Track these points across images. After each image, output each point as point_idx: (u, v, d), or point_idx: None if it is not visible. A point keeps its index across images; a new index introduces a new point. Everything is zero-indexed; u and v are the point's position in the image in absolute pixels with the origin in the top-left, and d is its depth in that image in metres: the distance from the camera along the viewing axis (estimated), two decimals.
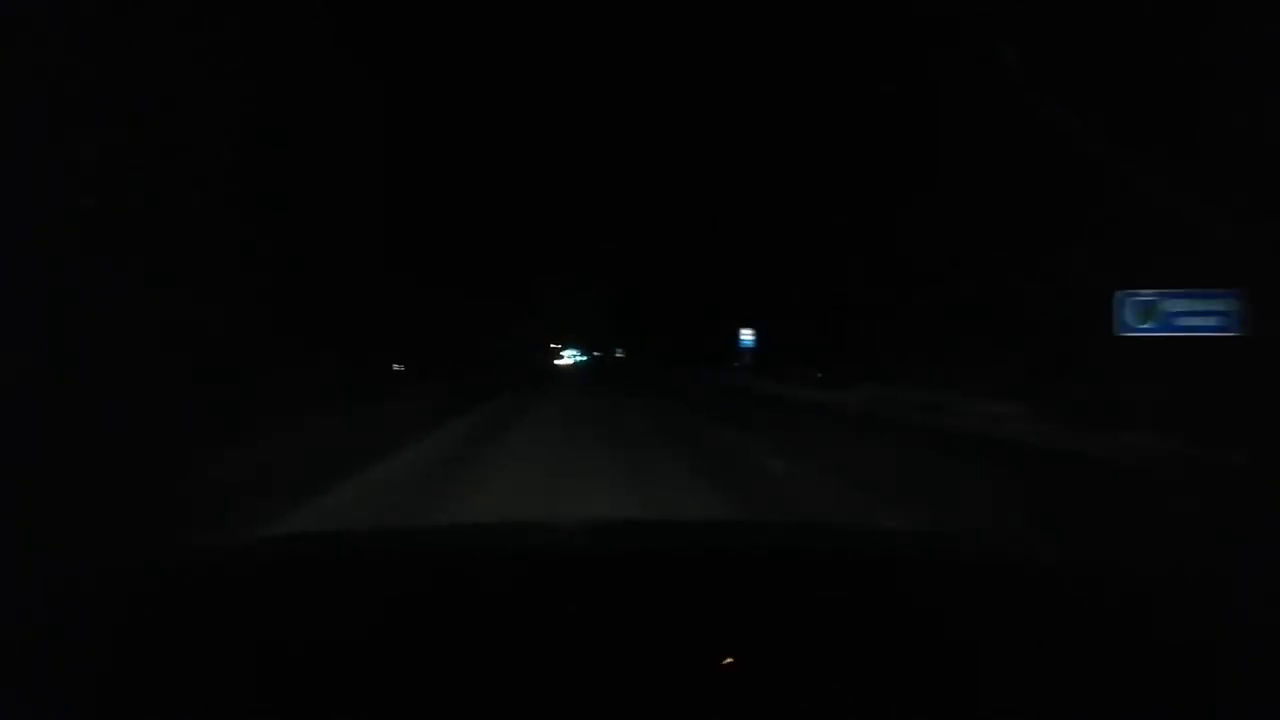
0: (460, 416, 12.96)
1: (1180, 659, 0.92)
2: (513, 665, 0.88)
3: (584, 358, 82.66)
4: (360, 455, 7.93)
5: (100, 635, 1.00)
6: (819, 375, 21.26)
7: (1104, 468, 7.93)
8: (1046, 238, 12.06)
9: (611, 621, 1.02)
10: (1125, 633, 1.01)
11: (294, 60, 14.53)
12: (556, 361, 67.13)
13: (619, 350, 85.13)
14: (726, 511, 5.47)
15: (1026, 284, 12.33)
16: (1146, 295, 9.84)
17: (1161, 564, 1.34)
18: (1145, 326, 9.81)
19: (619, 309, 69.48)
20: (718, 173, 30.94)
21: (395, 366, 23.63)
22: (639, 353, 69.61)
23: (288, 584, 1.23)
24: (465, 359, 30.68)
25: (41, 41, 8.47)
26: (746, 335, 29.03)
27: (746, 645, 0.94)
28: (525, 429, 11.46)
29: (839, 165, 19.71)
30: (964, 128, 13.73)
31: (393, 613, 1.08)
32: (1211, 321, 9.82)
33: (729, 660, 0.91)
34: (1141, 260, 10.13)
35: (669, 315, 46.77)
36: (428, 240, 25.33)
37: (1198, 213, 9.00)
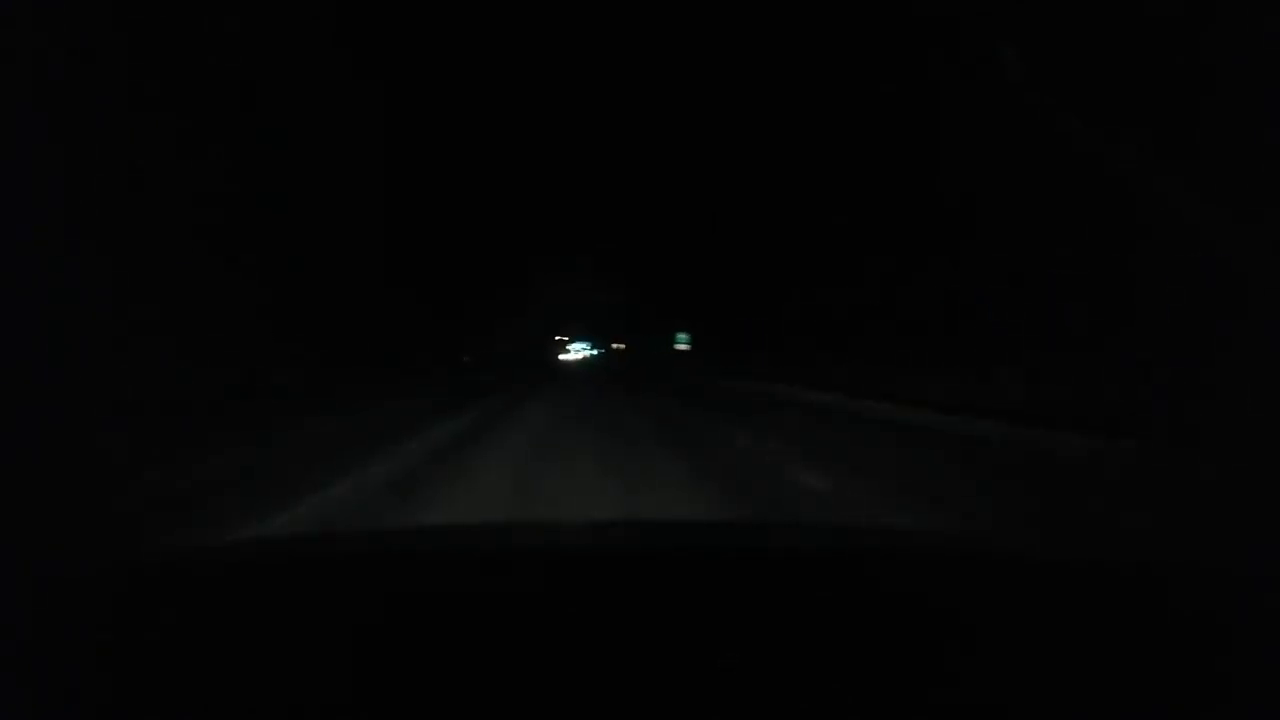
0: None
1: (1177, 655, 0.92)
2: (512, 665, 0.88)
3: (595, 351, 70.62)
4: None
5: (93, 635, 1.00)
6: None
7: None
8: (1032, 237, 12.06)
9: (612, 622, 1.02)
10: (1122, 628, 1.01)
11: (290, 54, 14.52)
12: (562, 356, 60.30)
13: (681, 338, 43.53)
14: None
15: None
16: None
17: (1154, 560, 1.34)
18: None
19: (643, 293, 52.68)
20: (723, 161, 30.48)
21: None
22: (703, 344, 39.87)
23: (284, 585, 1.23)
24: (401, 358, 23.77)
25: (42, 41, 8.46)
26: None
27: (747, 644, 0.94)
28: None
29: (839, 163, 19.70)
30: (963, 127, 13.72)
31: (390, 613, 1.08)
32: None
33: (729, 660, 0.91)
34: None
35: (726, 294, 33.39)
36: (410, 229, 24.09)
37: (1197, 212, 8.99)
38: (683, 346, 41.49)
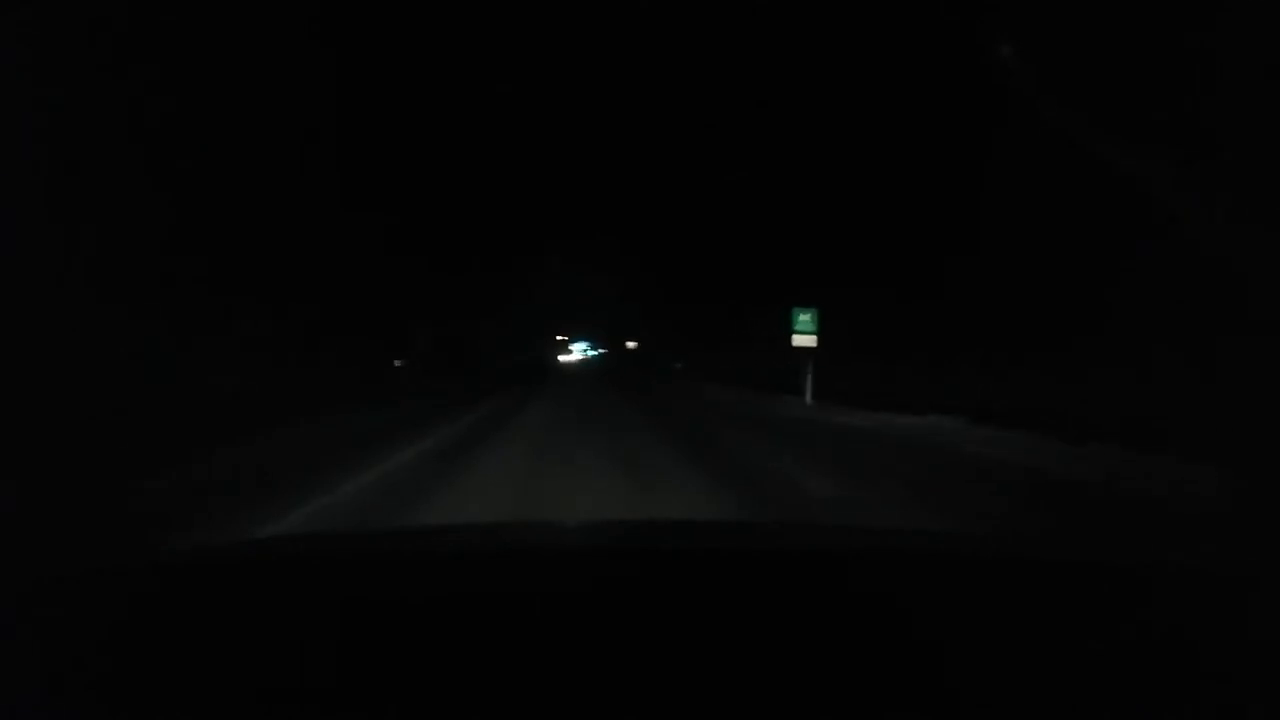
0: None
1: (1173, 655, 0.92)
2: (512, 664, 0.88)
3: (596, 351, 68.43)
4: None
5: (93, 635, 0.99)
6: None
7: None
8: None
9: (610, 621, 1.02)
10: (1110, 629, 1.02)
11: (289, 54, 14.48)
12: (562, 357, 58.10)
13: (803, 321, 16.46)
14: None
15: None
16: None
17: (1151, 560, 1.36)
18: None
19: (644, 292, 47.76)
20: (725, 161, 30.02)
21: None
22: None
23: (284, 585, 1.22)
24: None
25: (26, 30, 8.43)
26: None
27: (745, 643, 0.95)
28: None
29: (839, 163, 19.77)
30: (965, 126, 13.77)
31: (390, 613, 1.08)
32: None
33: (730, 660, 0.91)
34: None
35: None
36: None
37: (1198, 213, 9.02)
38: (806, 339, 17.25)
